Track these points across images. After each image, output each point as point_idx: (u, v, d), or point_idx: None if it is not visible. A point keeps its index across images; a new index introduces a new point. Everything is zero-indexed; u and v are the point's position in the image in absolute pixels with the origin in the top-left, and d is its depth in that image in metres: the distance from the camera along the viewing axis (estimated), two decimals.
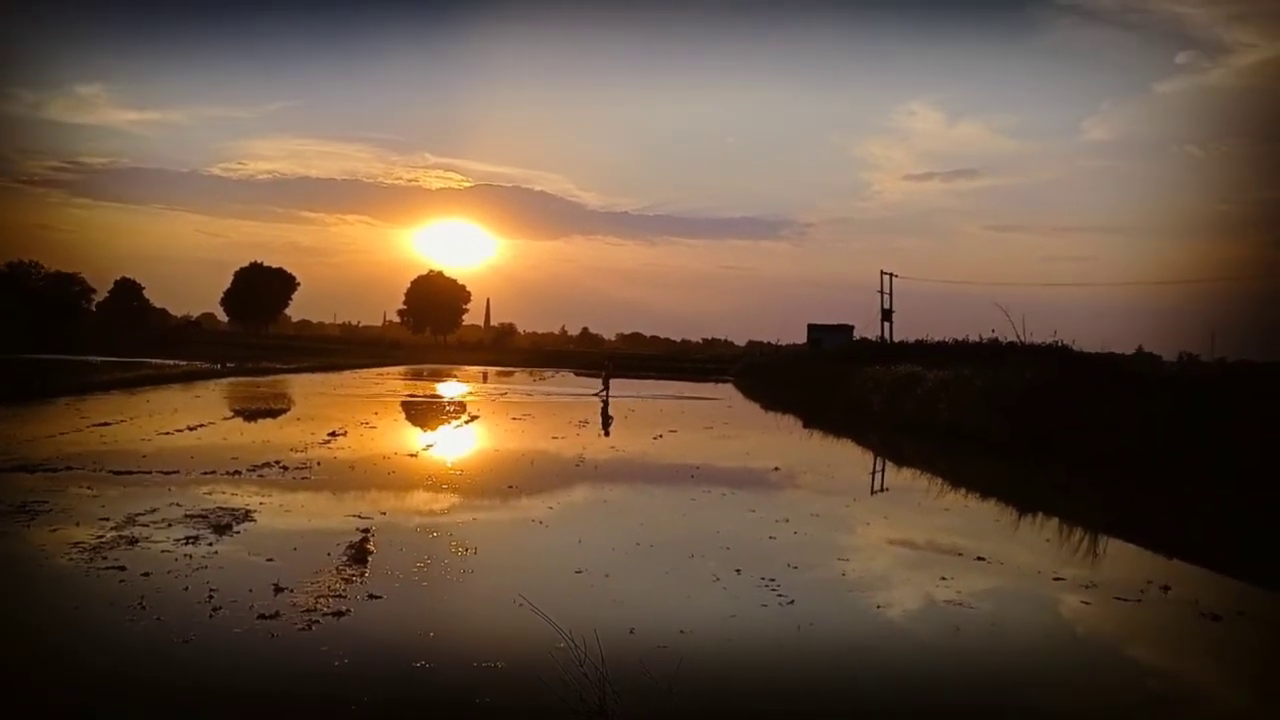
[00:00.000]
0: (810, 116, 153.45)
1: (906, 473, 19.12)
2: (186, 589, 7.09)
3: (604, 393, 34.75)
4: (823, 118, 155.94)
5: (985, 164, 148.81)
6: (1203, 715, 5.73)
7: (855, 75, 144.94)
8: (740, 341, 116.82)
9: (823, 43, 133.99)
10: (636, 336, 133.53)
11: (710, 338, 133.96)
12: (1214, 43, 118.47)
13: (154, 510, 9.89)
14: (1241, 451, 14.87)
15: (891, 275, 54.86)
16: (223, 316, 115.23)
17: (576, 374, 62.37)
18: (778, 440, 25.11)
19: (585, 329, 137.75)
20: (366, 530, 9.46)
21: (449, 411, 27.09)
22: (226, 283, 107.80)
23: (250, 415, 23.59)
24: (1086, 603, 8.23)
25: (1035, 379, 22.55)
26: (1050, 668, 6.75)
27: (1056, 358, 30.46)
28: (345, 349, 77.94)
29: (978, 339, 36.55)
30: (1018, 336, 32.77)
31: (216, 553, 8.27)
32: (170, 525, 9.25)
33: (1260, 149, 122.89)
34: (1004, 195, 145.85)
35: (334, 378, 43.09)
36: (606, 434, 22.54)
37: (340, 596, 7.06)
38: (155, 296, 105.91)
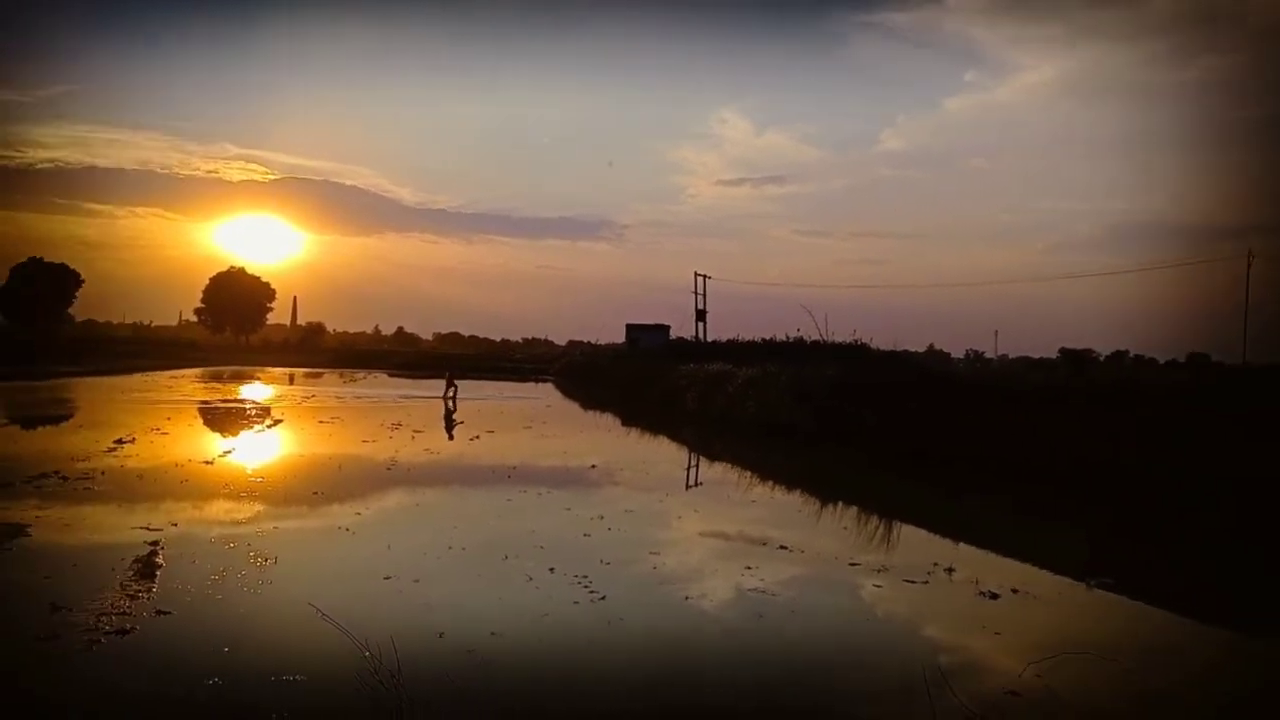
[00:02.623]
0: (626, 120, 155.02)
1: (718, 467, 19.68)
2: None
3: (448, 396, 34.26)
4: (639, 122, 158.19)
5: (791, 171, 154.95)
6: (975, 687, 6.17)
7: (669, 82, 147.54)
8: (561, 341, 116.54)
9: (636, 48, 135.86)
10: (454, 336, 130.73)
11: (531, 337, 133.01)
12: (998, 63, 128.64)
13: None
14: (1021, 444, 16.19)
15: (705, 277, 56.45)
16: None
17: (390, 374, 60.79)
18: (596, 438, 25.31)
19: (400, 328, 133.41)
20: (156, 543, 8.90)
21: (250, 416, 25.81)
22: (1, 280, 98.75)
23: (27, 422, 21.78)
24: (879, 585, 8.75)
25: (836, 375, 23.78)
26: (843, 646, 7.16)
27: (856, 355, 32.33)
28: (136, 350, 72.64)
29: (785, 338, 38.44)
30: (821, 335, 34.58)
31: None
32: None
33: (1037, 162, 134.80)
34: (808, 201, 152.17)
35: (123, 381, 40.20)
36: (451, 437, 22.18)
37: (125, 614, 6.62)
38: None
